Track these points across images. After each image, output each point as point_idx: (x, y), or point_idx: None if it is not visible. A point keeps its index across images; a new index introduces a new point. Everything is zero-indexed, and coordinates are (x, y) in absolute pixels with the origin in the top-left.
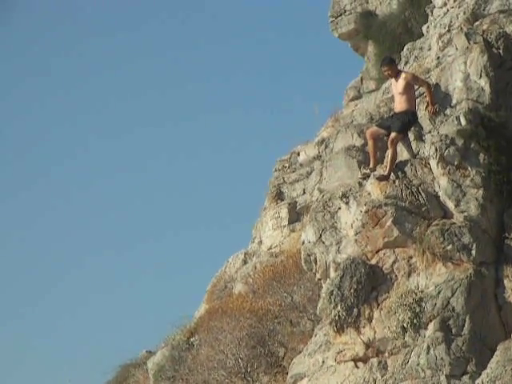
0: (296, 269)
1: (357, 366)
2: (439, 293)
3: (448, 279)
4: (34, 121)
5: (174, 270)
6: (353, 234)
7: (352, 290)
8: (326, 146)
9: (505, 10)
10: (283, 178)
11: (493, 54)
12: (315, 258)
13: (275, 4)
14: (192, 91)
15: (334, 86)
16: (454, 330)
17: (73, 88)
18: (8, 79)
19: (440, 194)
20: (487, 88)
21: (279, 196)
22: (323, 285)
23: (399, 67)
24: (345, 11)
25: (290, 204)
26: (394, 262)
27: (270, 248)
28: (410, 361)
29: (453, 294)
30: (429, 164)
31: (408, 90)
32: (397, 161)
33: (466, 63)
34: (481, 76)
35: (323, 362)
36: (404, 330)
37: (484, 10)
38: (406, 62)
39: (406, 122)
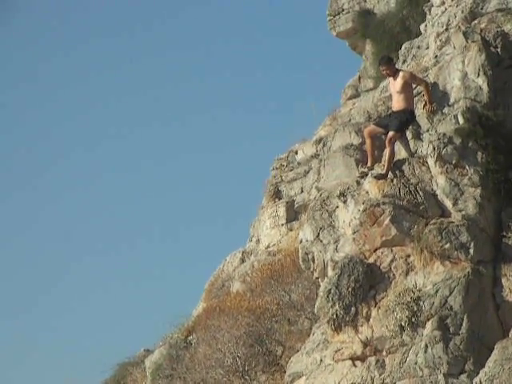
0: (294, 267)
1: (355, 365)
2: (437, 291)
3: (446, 278)
4: (33, 120)
5: (171, 269)
6: (351, 233)
7: (350, 289)
8: (324, 145)
9: (503, 8)
10: (281, 176)
11: (490, 52)
12: (313, 257)
13: (273, 3)
14: (189, 90)
15: (332, 84)
16: (451, 329)
17: (72, 88)
18: (8, 78)
19: (438, 192)
20: (485, 87)
21: (277, 195)
22: (321, 283)
23: (397, 66)
24: (343, 10)
25: (287, 203)
26: (392, 261)
27: (268, 247)
28: (407, 359)
29: (450, 293)
30: (427, 163)
31: (406, 88)
32: (395, 159)
33: (463, 62)
34: (479, 75)
35: (321, 360)
36: (402, 328)
37: (482, 8)
38: (404, 61)
39: (403, 121)
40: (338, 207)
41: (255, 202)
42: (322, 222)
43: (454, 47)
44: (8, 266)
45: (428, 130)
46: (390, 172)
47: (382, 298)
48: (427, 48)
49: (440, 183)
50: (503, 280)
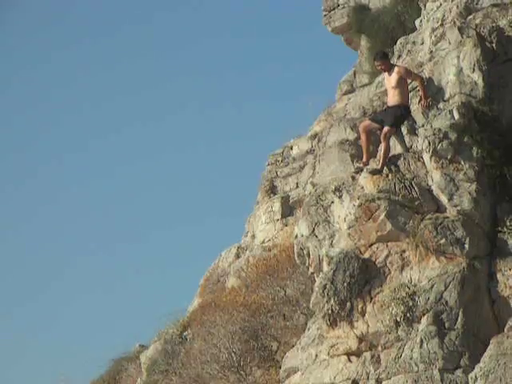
0: (289, 263)
1: (350, 360)
2: (432, 287)
3: (441, 273)
4: (26, 119)
5: (166, 264)
6: (346, 228)
7: (345, 284)
8: (319, 140)
9: (498, 3)
10: (276, 171)
11: (486, 48)
12: (308, 252)
13: None
14: (184, 85)
15: (327, 79)
16: (447, 324)
17: (70, 85)
18: (7, 77)
19: (433, 187)
20: (480, 82)
21: (272, 190)
22: (316, 279)
23: (392, 61)
24: (338, 5)
25: (282, 198)
26: (387, 256)
27: (263, 242)
28: (403, 355)
29: (446, 288)
30: (422, 158)
31: (401, 84)
32: (390, 155)
33: (459, 57)
34: (474, 70)
35: (316, 355)
36: (397, 323)
37: (477, 3)
38: (399, 56)
39: (398, 116)
40: (333, 202)
41: (250, 197)
42: (317, 218)
43: (450, 42)
44: (3, 264)
45: (423, 125)
46: (385, 167)
47: (378, 294)
48: (422, 43)
49: (435, 178)
50: (498, 275)
